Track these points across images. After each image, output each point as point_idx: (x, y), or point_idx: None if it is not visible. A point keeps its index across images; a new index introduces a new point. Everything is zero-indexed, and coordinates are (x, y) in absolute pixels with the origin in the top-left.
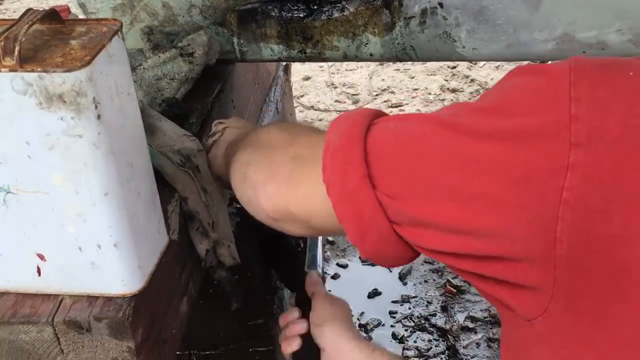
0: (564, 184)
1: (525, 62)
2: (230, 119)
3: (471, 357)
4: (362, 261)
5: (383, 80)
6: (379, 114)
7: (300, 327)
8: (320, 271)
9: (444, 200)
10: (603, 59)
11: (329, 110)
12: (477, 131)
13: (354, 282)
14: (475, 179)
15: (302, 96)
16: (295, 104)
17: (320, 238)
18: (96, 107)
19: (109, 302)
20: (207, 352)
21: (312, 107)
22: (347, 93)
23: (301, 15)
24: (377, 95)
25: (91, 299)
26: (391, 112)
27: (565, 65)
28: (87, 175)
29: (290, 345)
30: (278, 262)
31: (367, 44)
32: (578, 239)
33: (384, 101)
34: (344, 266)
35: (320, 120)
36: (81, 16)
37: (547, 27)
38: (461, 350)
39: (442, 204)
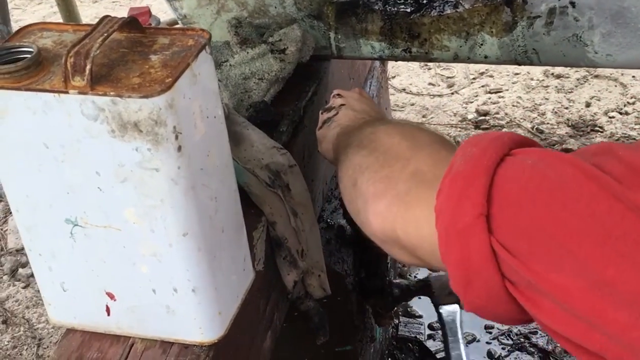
0: None
1: None
2: (351, 91)
3: None
4: None
5: None
6: (523, 142)
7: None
8: None
9: (571, 273)
10: None
11: (422, 94)
12: (627, 198)
13: None
14: (614, 260)
15: (393, 77)
16: None
17: (460, 334)
18: (176, 137)
19: (185, 351)
20: None
21: (404, 89)
22: (442, 75)
23: (408, 10)
24: (474, 79)
25: (165, 345)
26: (489, 98)
27: None
28: (164, 213)
29: None
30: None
31: (482, 44)
32: None
33: (482, 86)
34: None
35: (412, 104)
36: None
37: None
38: None
39: (567, 277)
